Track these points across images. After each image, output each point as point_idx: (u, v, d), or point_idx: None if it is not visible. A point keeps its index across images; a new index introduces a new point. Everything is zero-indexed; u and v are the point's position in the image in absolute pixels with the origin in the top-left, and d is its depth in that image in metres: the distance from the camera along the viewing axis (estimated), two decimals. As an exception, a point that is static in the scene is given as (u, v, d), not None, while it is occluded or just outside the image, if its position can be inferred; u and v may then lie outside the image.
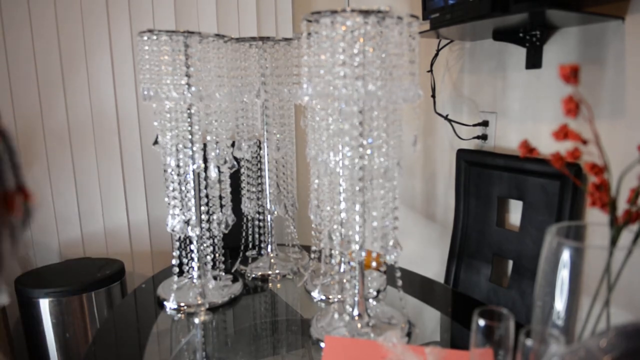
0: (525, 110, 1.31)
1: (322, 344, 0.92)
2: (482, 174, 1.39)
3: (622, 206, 0.49)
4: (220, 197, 1.16)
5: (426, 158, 1.68)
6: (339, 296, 1.12)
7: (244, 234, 1.39)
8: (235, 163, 1.18)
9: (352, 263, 0.95)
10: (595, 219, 1.12)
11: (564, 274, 0.50)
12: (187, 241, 1.18)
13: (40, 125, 1.84)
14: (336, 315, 0.98)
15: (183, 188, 1.11)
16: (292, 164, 1.35)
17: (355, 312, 0.96)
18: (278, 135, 1.30)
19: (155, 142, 1.10)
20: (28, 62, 1.79)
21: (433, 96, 1.56)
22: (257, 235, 1.38)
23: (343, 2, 1.92)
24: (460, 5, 1.16)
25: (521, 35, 1.21)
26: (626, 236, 0.48)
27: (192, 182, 1.12)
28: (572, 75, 0.45)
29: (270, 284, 1.28)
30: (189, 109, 1.08)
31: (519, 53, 1.28)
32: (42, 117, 1.83)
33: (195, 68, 1.05)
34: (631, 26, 1.03)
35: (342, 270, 1.16)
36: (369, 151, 0.84)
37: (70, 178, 1.90)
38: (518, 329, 0.53)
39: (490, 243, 1.37)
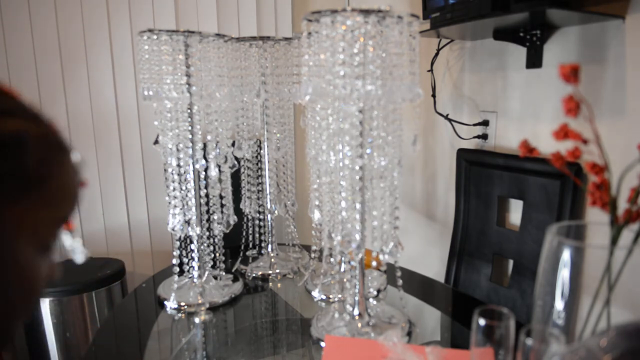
0: (525, 109, 1.31)
1: (323, 344, 0.92)
2: (483, 173, 1.38)
3: (622, 205, 0.49)
4: (221, 197, 1.16)
5: (426, 157, 1.68)
6: (340, 296, 1.12)
7: (244, 233, 1.39)
8: (235, 162, 1.18)
9: (353, 262, 0.95)
10: (596, 218, 1.12)
11: (564, 274, 0.50)
12: (188, 241, 1.18)
13: (41, 125, 1.83)
14: (336, 315, 0.98)
15: (183, 187, 1.11)
16: (292, 164, 1.35)
17: (356, 312, 0.96)
18: (278, 135, 1.30)
19: (156, 142, 1.10)
20: (28, 62, 1.78)
21: (433, 95, 1.56)
22: (257, 235, 1.38)
23: (343, 2, 1.92)
24: (461, 5, 1.15)
25: (521, 34, 1.21)
26: (626, 235, 0.48)
27: (192, 182, 1.12)
28: (572, 74, 0.45)
29: (270, 284, 1.28)
30: (189, 108, 1.08)
31: (519, 52, 1.28)
32: (43, 116, 1.83)
33: (195, 68, 1.05)
34: (631, 25, 1.03)
35: (342, 269, 1.16)
36: (368, 150, 0.84)
37: (70, 178, 1.89)
38: (518, 328, 0.53)
39: (490, 242, 1.37)
